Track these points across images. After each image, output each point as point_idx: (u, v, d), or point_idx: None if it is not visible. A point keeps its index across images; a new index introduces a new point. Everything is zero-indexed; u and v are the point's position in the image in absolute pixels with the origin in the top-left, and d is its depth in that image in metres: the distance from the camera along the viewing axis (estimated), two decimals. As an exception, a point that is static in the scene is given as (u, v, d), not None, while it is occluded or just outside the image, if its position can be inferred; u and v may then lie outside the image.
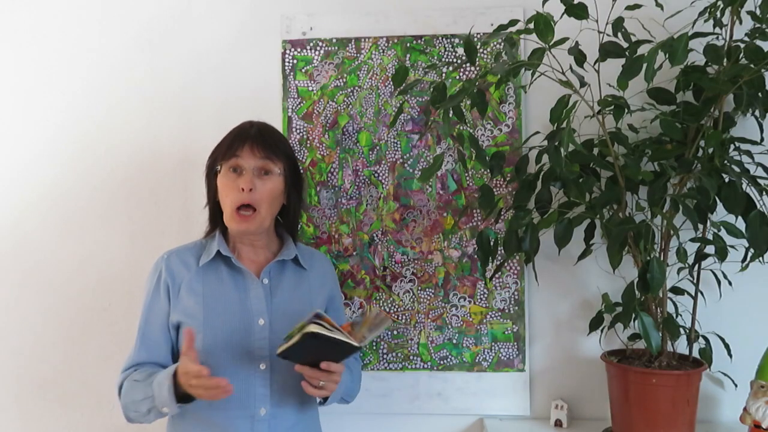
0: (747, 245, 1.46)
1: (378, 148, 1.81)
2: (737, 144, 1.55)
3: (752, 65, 1.39)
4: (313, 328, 1.22)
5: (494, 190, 1.71)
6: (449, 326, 1.79)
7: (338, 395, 1.43)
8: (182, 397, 1.28)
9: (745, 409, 1.52)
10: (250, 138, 1.40)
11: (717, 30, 1.51)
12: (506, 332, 1.78)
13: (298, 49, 1.82)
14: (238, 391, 1.35)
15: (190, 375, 1.23)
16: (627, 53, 1.43)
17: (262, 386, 1.38)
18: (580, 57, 1.46)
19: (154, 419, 1.35)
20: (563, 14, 1.44)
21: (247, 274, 1.43)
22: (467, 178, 1.79)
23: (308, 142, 1.82)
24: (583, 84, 1.46)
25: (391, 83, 1.76)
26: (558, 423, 1.70)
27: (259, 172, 1.40)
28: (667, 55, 1.32)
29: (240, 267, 1.42)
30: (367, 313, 1.33)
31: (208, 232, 1.51)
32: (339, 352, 1.29)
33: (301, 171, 1.56)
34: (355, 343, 1.26)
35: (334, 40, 1.82)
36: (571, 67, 1.46)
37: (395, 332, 1.80)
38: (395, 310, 1.80)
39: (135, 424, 1.42)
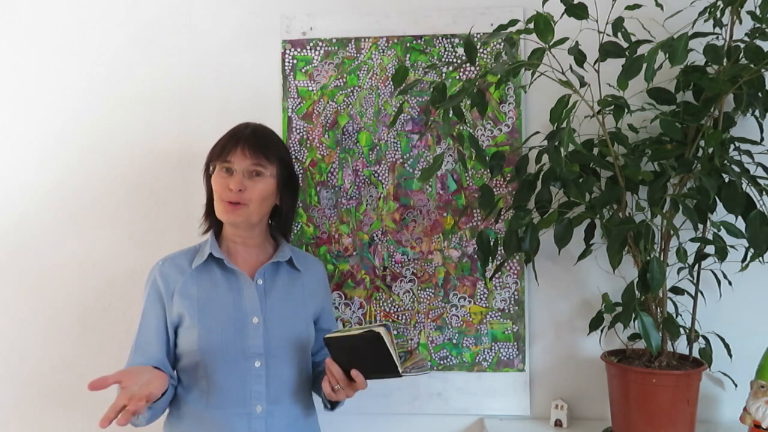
0: (747, 245, 1.46)
1: (378, 148, 1.81)
2: (737, 144, 1.54)
3: (752, 65, 1.39)
4: (380, 330, 1.23)
5: (494, 190, 1.71)
6: (449, 326, 1.79)
7: (343, 403, 1.46)
8: None
9: (745, 409, 1.52)
10: (243, 140, 1.42)
11: (717, 30, 1.51)
12: (506, 332, 1.78)
13: (298, 49, 1.82)
14: (235, 389, 1.38)
15: (143, 390, 1.25)
16: (627, 53, 1.43)
17: (257, 384, 1.39)
18: (580, 57, 1.45)
19: (145, 423, 1.36)
20: (563, 14, 1.44)
21: (241, 275, 1.44)
22: (467, 178, 1.79)
23: (308, 142, 1.82)
24: (583, 84, 1.46)
25: (391, 83, 1.76)
26: (558, 423, 1.70)
27: (249, 174, 1.42)
28: (667, 55, 1.32)
29: (233, 268, 1.44)
30: (414, 353, 1.32)
31: (204, 231, 1.53)
32: (376, 368, 1.28)
33: (298, 174, 1.58)
34: (399, 369, 1.25)
35: (334, 40, 1.81)
36: (571, 67, 1.46)
37: (395, 332, 1.79)
38: (395, 310, 1.80)
39: (135, 426, 1.42)
